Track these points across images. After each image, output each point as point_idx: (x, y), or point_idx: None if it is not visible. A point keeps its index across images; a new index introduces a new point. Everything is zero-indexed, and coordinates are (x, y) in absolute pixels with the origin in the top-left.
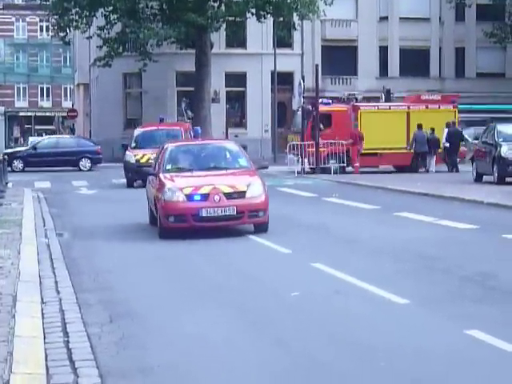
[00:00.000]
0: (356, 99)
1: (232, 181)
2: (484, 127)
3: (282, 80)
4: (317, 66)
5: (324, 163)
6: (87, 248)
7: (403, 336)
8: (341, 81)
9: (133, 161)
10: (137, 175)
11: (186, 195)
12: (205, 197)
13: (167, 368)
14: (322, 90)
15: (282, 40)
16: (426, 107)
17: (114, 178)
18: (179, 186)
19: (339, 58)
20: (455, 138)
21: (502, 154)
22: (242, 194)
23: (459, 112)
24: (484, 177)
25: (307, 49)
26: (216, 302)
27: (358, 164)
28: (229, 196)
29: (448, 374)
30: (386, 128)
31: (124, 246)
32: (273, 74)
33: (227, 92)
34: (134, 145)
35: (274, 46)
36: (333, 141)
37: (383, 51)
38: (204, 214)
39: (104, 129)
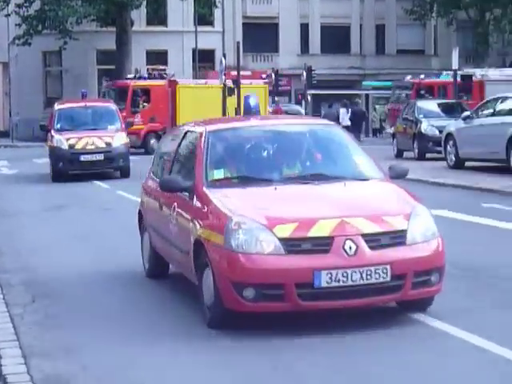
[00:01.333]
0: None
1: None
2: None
3: (204, 58)
4: (238, 43)
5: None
6: (8, 228)
7: None
8: (262, 58)
9: (65, 146)
10: (71, 165)
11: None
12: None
13: (89, 347)
14: (243, 68)
15: (203, 17)
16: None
17: (34, 157)
18: (267, 222)
19: (260, 36)
20: (358, 117)
21: (422, 131)
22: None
23: (379, 88)
24: (404, 153)
25: (228, 26)
26: (138, 281)
27: None
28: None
29: None
30: (203, 104)
31: (47, 226)
32: (194, 51)
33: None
34: (58, 126)
35: (194, 23)
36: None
37: (304, 28)
38: (324, 284)
39: (24, 108)
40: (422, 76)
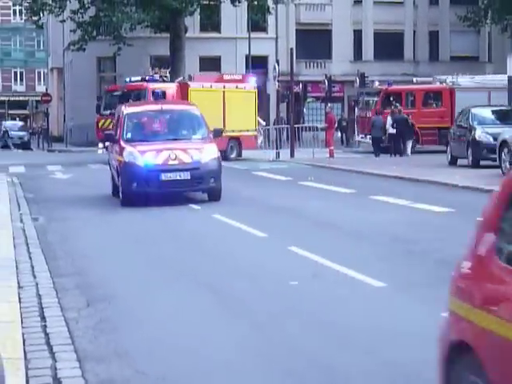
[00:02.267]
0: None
1: None
2: None
3: (257, 64)
4: (291, 49)
5: None
6: (63, 232)
7: (379, 318)
8: (315, 64)
9: (140, 163)
10: (148, 186)
11: None
12: None
13: (143, 351)
14: (296, 74)
15: (257, 24)
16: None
17: (89, 162)
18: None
19: (313, 42)
20: (401, 124)
21: (477, 138)
22: None
23: None
24: (458, 160)
25: (281, 33)
26: (192, 284)
27: (333, 147)
28: None
29: (423, 355)
30: (211, 107)
31: (100, 230)
32: (247, 58)
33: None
34: (128, 135)
35: (248, 29)
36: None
37: (357, 35)
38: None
39: (78, 113)
40: (390, 82)
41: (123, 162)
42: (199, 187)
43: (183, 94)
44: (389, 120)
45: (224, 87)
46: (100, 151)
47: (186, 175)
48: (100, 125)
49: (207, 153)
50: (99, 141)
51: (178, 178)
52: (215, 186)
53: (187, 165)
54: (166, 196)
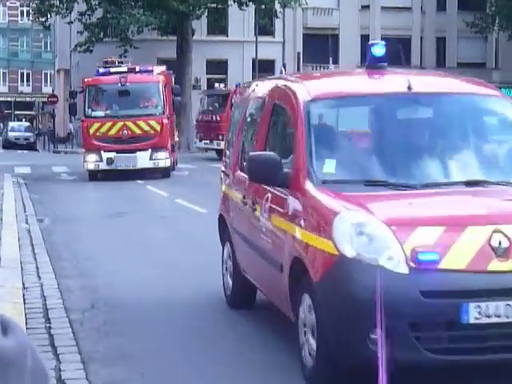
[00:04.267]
0: None
1: None
2: None
3: (264, 68)
4: (298, 53)
5: None
6: (68, 233)
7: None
8: (322, 69)
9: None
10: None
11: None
12: None
13: (148, 354)
14: None
15: (264, 28)
16: None
17: None
18: None
19: (320, 46)
20: None
21: None
22: None
23: None
24: None
25: (289, 37)
26: (197, 285)
27: None
28: None
29: None
30: None
31: (105, 231)
32: (254, 61)
33: (208, 79)
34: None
35: (255, 33)
36: None
37: (365, 40)
38: None
39: None
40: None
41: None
42: None
43: None
44: None
45: None
46: (91, 166)
47: None
48: (92, 131)
49: None
50: (89, 152)
51: None
52: None
53: None
54: None
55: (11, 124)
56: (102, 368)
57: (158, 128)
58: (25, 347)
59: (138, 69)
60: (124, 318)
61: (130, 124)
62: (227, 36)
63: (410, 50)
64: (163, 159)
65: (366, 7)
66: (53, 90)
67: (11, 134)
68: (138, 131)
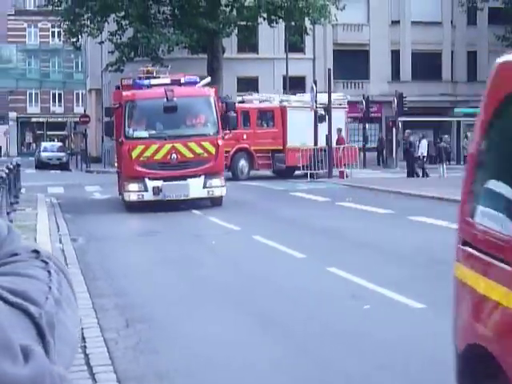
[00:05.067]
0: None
1: None
2: None
3: (294, 84)
4: (329, 70)
5: None
6: (102, 252)
7: (420, 341)
8: (353, 85)
9: None
10: None
11: None
12: None
13: (183, 372)
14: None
15: (294, 44)
16: None
17: None
18: None
19: (351, 62)
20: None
21: None
22: None
23: (471, 116)
24: None
25: (319, 53)
26: (233, 306)
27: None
28: None
29: None
30: None
31: (139, 250)
32: (285, 78)
33: (239, 96)
34: None
35: (285, 50)
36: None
37: (395, 55)
38: None
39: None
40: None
41: None
42: None
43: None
44: None
45: None
46: (133, 197)
47: None
48: (135, 155)
49: None
50: (131, 180)
51: None
52: None
53: None
54: None
55: (44, 144)
56: None
57: (213, 150)
58: (43, 376)
59: (183, 80)
60: (159, 335)
61: (179, 146)
62: (257, 53)
63: (440, 64)
64: (219, 187)
65: (396, 22)
66: (84, 110)
67: (44, 155)
68: (189, 154)
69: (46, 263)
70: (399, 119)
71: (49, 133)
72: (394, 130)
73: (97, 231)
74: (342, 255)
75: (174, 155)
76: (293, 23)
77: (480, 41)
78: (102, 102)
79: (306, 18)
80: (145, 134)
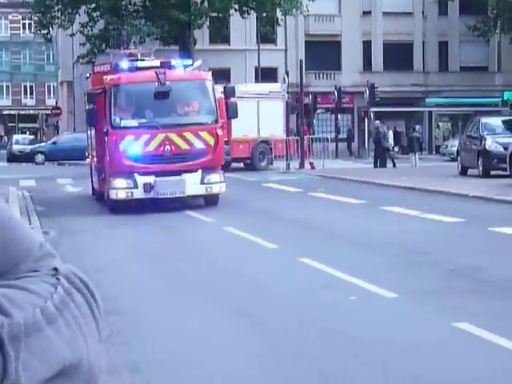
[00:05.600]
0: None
1: None
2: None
3: (266, 75)
4: (301, 61)
5: None
6: (74, 245)
7: (392, 330)
8: (325, 76)
9: None
10: None
11: None
12: None
13: (155, 365)
14: (306, 85)
15: (266, 36)
16: None
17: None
18: None
19: (323, 53)
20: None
21: (487, 147)
22: None
23: (442, 106)
24: (469, 170)
25: (291, 44)
26: (204, 297)
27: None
28: None
29: (437, 366)
30: None
31: (111, 243)
32: (257, 69)
33: None
34: None
35: (257, 41)
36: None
37: (367, 46)
38: None
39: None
40: None
41: None
42: None
43: None
44: None
45: None
46: (121, 195)
47: None
48: (123, 147)
49: None
50: (118, 176)
51: None
52: None
53: None
54: None
55: (15, 137)
56: (109, 378)
57: (212, 141)
58: None
59: (174, 62)
60: (131, 328)
61: (173, 137)
62: (229, 45)
63: (412, 54)
64: (218, 183)
65: (367, 13)
66: (56, 102)
67: (15, 147)
68: (184, 146)
69: (59, 280)
70: (371, 109)
71: (20, 125)
72: (366, 120)
73: (69, 224)
74: (315, 246)
75: (167, 147)
76: (264, 14)
77: (451, 31)
78: (74, 94)
79: (278, 9)
80: (134, 122)
